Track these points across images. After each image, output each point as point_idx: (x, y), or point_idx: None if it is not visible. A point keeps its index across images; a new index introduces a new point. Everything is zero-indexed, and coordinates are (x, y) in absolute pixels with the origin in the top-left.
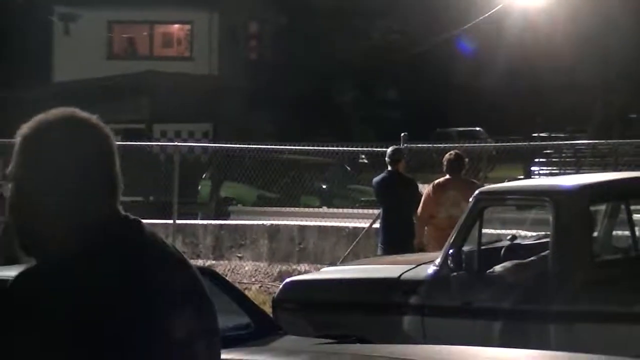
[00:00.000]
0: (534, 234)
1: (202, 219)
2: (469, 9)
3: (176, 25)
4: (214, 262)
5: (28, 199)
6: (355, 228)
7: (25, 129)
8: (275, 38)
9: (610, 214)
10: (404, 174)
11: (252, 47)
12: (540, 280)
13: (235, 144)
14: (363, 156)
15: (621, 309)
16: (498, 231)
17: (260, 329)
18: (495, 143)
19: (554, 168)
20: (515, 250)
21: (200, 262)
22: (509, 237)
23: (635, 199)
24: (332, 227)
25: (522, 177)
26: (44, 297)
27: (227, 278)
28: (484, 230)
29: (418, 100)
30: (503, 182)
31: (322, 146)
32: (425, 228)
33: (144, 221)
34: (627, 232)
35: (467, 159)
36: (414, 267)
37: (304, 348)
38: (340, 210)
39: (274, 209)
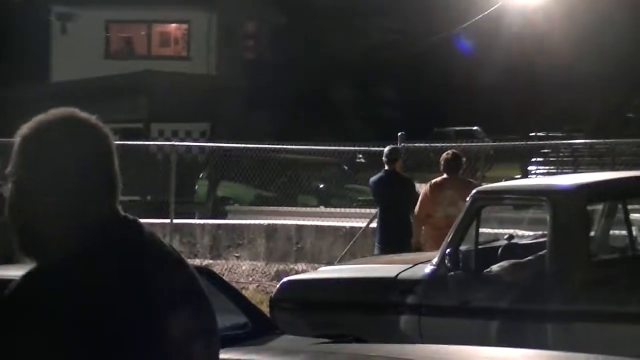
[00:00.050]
0: (531, 233)
1: (199, 218)
2: (467, 8)
3: (174, 25)
4: (211, 261)
5: (28, 199)
6: (352, 227)
7: (24, 129)
8: (274, 37)
9: (608, 214)
10: (401, 174)
11: (249, 46)
12: (538, 280)
13: (233, 143)
14: (360, 155)
15: (618, 309)
16: (495, 230)
17: (257, 328)
18: (493, 142)
19: (551, 167)
20: (513, 249)
21: (197, 262)
22: (506, 237)
23: (632, 199)
24: (329, 226)
25: (519, 176)
26: (44, 297)
27: (224, 277)
28: (481, 230)
29: (418, 100)
30: (500, 181)
31: (320, 146)
32: (423, 227)
33: (142, 221)
34: (624, 232)
35: (464, 159)
36: (411, 267)
37: (301, 348)
38: (338, 209)
39: (271, 208)
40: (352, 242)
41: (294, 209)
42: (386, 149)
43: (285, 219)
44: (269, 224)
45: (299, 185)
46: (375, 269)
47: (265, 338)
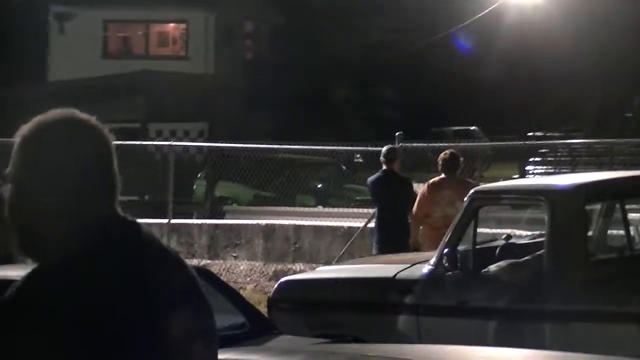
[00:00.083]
0: (529, 233)
1: (197, 218)
2: (467, 6)
3: (172, 25)
4: (209, 261)
5: (28, 199)
6: (350, 227)
7: (24, 129)
8: (273, 37)
9: (606, 214)
10: (399, 173)
11: (248, 46)
12: (536, 280)
13: (231, 143)
14: (358, 155)
15: (616, 309)
16: (493, 230)
17: (255, 328)
18: (491, 142)
19: (549, 167)
20: (511, 249)
21: (195, 262)
22: (504, 237)
23: (630, 199)
24: (327, 226)
25: (517, 176)
26: (44, 297)
27: (222, 277)
28: (479, 230)
29: (418, 100)
30: (498, 181)
31: (318, 145)
32: (420, 227)
33: (139, 221)
34: (622, 232)
35: (462, 158)
36: (409, 267)
37: (299, 348)
38: (336, 209)
39: (269, 208)
40: (350, 242)
41: (291, 209)
42: (384, 149)
43: (283, 219)
44: (266, 224)
45: (297, 185)
46: (373, 269)
47: (263, 338)
